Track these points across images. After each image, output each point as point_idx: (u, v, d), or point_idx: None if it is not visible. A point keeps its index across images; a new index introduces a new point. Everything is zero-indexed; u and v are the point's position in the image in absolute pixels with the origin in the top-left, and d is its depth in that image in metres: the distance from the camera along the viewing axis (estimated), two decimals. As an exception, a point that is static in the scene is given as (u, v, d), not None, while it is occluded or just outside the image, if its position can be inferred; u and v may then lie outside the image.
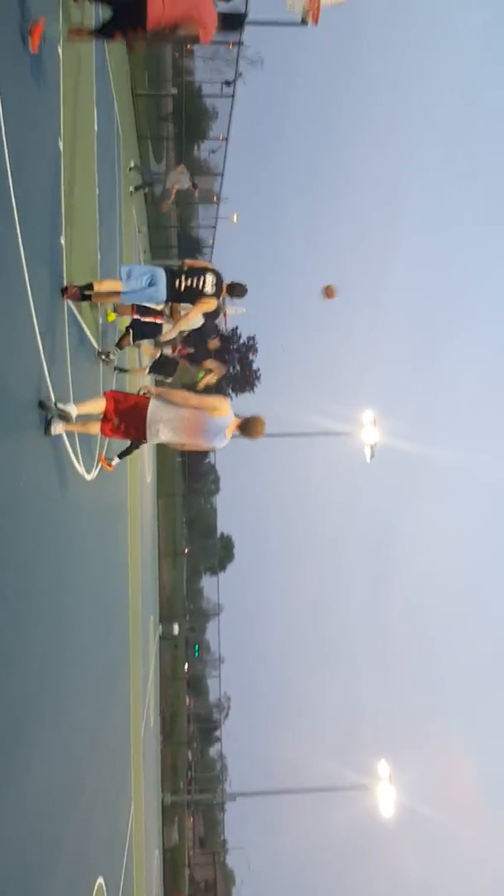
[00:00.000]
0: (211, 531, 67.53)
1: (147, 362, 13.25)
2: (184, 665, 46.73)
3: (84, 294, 6.65)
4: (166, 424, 5.58)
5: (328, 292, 8.49)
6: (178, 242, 34.77)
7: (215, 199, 32.81)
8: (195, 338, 12.32)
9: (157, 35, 6.20)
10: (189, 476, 55.72)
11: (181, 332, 10.34)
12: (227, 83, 24.08)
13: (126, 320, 10.41)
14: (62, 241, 6.17)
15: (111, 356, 9.50)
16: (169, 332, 9.63)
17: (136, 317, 10.17)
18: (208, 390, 11.40)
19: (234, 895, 55.88)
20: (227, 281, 8.30)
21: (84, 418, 5.58)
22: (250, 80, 35.79)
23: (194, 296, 8.03)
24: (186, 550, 54.58)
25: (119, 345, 10.26)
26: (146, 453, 24.47)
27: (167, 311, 9.72)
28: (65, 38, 6.24)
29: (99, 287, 7.24)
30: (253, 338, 56.29)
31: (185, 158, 29.31)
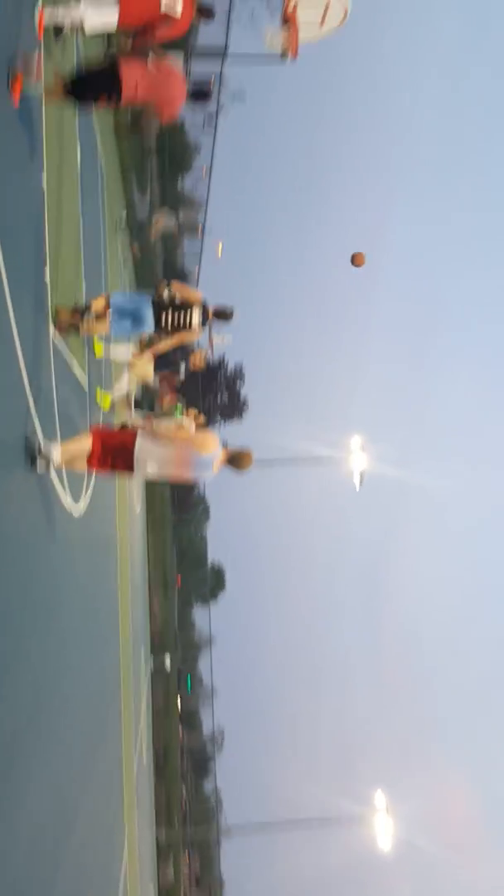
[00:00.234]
0: (202, 561, 67.22)
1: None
2: (176, 698, 46.20)
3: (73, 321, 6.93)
4: (154, 461, 5.56)
5: (357, 259, 8.21)
6: (163, 273, 35.02)
7: (200, 229, 33.16)
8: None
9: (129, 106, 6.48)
10: (179, 506, 55.58)
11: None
12: (210, 117, 24.49)
13: (107, 398, 10.38)
14: (46, 277, 6.18)
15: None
16: (145, 357, 9.45)
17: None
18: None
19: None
20: (211, 307, 8.26)
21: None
22: (232, 114, 36.35)
23: (180, 330, 8.07)
24: (178, 581, 54.24)
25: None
26: (135, 484, 24.36)
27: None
28: (42, 94, 6.32)
29: (88, 329, 7.45)
30: (240, 366, 56.62)
31: (168, 191, 29.64)
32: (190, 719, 56.93)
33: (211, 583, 65.48)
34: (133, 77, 6.22)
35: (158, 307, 7.86)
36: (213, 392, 52.57)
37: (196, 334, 8.20)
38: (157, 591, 41.85)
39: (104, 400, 10.24)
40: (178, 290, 8.05)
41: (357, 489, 27.27)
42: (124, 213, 22.23)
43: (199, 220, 32.31)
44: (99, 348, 10.01)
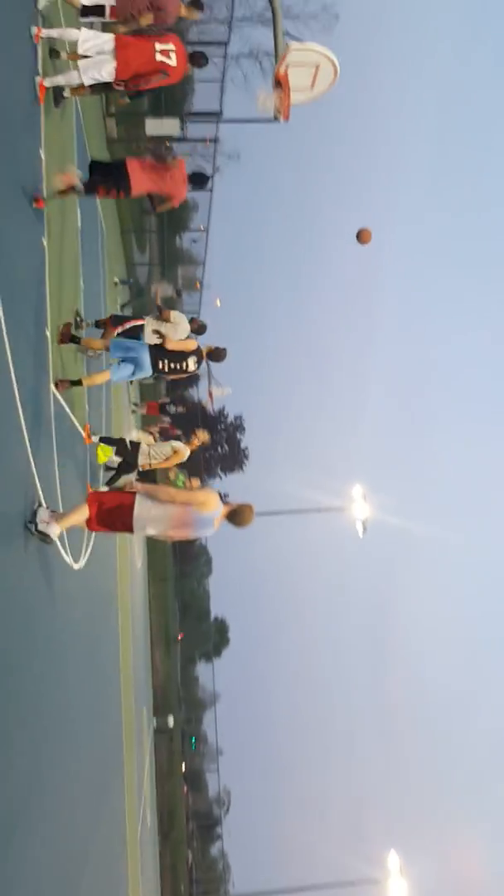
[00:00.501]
0: (204, 615, 66.44)
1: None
2: (180, 759, 45.09)
3: (73, 338, 7.48)
4: (154, 522, 5.48)
5: (363, 236, 8.17)
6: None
7: (198, 285, 33.70)
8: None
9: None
10: (180, 559, 55.15)
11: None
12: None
13: (107, 451, 10.42)
14: (48, 333, 6.24)
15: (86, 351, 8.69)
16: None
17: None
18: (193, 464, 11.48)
19: None
20: (205, 348, 8.63)
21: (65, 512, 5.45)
22: (228, 174, 37.29)
23: (176, 374, 8.50)
24: (180, 637, 53.47)
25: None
26: (136, 539, 24.22)
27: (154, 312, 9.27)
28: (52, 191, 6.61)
29: (89, 383, 7.69)
30: (240, 417, 56.92)
31: (167, 249, 30.18)
32: (195, 780, 55.46)
33: (214, 638, 64.57)
34: (140, 174, 6.93)
35: (155, 356, 8.07)
36: (213, 444, 52.72)
37: (183, 455, 9.76)
38: (160, 646, 41.24)
39: (104, 452, 10.19)
40: (173, 347, 8.29)
41: (360, 536, 27.08)
42: (129, 280, 22.81)
43: (198, 276, 32.89)
44: (102, 453, 10.09)
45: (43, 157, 6.24)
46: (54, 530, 4.99)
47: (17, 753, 4.25)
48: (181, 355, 8.29)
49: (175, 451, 10.45)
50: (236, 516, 5.66)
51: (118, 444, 10.40)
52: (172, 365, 8.25)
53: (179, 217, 30.45)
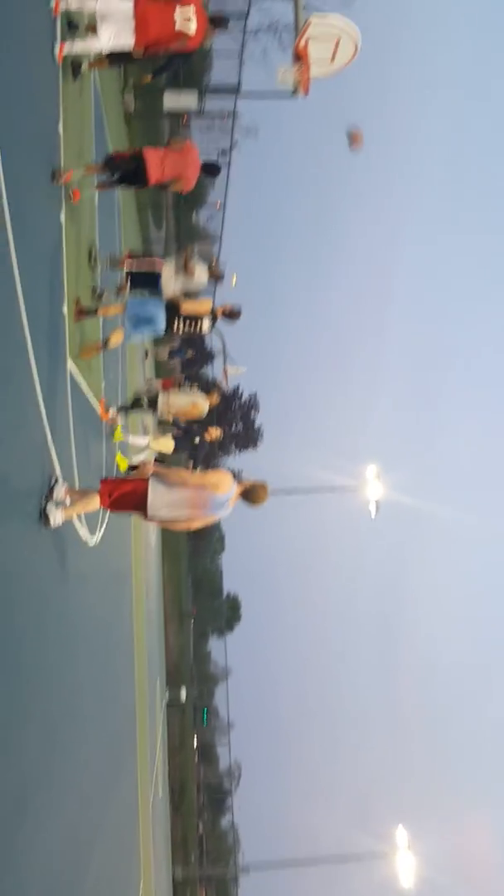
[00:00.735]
0: (217, 591, 66.86)
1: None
2: (192, 732, 45.64)
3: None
4: (168, 507, 5.45)
5: (354, 138, 8.03)
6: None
7: (214, 261, 33.50)
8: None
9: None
10: (194, 536, 55.43)
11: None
12: (224, 152, 24.91)
13: (124, 462, 10.47)
14: (64, 310, 6.25)
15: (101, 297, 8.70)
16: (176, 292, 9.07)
17: (131, 269, 9.04)
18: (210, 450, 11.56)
19: None
20: (219, 307, 8.83)
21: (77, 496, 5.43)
22: (245, 149, 36.94)
23: (191, 335, 8.80)
24: (194, 612, 53.92)
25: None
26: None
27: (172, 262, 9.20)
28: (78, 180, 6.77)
29: (104, 313, 8.00)
30: (254, 395, 56.83)
31: (183, 225, 30.03)
32: (206, 753, 56.17)
33: (227, 614, 65.06)
34: (157, 163, 7.02)
35: (170, 313, 8.16)
36: (227, 422, 52.73)
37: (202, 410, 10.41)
38: (173, 622, 41.63)
39: (122, 463, 10.26)
40: (188, 311, 8.41)
41: (372, 517, 27.12)
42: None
43: (214, 253, 32.70)
44: (119, 433, 10.14)
45: (61, 132, 6.22)
46: (58, 517, 4.99)
47: (34, 727, 4.33)
48: (196, 317, 8.46)
49: (193, 405, 10.62)
50: (250, 494, 5.66)
51: (135, 403, 10.59)
52: (187, 326, 8.43)
53: (196, 193, 30.28)
